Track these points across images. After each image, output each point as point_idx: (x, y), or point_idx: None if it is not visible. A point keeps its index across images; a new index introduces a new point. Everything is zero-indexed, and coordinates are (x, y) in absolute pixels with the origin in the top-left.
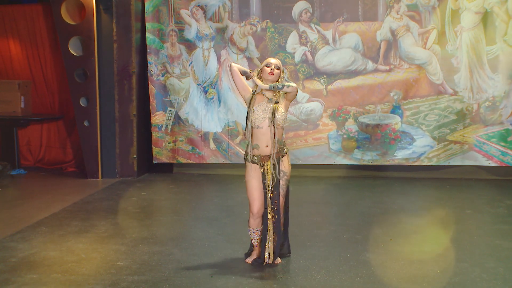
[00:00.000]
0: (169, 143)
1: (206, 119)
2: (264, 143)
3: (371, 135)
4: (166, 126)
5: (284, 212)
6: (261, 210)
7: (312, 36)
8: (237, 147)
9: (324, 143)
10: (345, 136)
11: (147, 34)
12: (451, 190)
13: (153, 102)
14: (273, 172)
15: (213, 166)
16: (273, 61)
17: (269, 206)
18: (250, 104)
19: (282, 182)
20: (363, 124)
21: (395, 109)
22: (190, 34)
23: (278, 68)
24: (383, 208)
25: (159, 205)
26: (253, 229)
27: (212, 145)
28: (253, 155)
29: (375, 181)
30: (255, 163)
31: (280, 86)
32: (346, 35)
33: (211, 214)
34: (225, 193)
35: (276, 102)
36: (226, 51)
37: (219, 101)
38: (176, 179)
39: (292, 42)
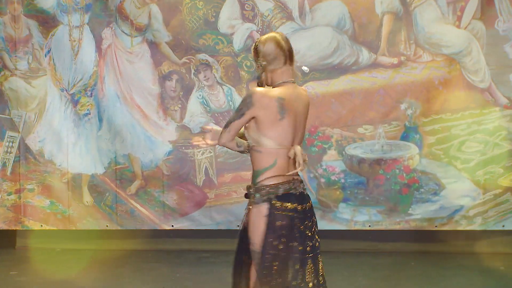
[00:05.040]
0: (9, 194)
1: (76, 151)
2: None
3: (368, 178)
4: (4, 164)
5: None
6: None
7: (264, 5)
8: (133, 201)
9: None
10: (322, 180)
11: None
12: (507, 274)
13: None
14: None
15: (90, 236)
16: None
17: None
18: None
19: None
20: (353, 159)
21: (410, 133)
22: (47, 0)
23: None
24: None
25: None
26: None
27: (88, 198)
28: None
29: (377, 259)
30: None
31: None
32: (323, 3)
33: None
34: (115, 285)
35: None
36: (111, 31)
37: (100, 120)
38: (22, 260)
39: (229, 15)
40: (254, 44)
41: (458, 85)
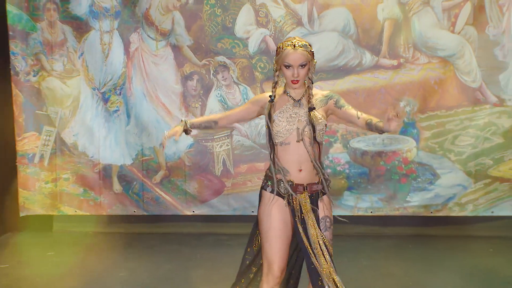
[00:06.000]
0: (47, 183)
1: (107, 144)
2: (296, 166)
3: (370, 168)
4: (42, 155)
5: None
6: (283, 272)
7: (277, 12)
8: (158, 189)
9: None
10: (328, 170)
11: (9, 7)
12: (495, 255)
13: (20, 117)
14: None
15: (119, 220)
16: (294, 55)
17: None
18: (270, 114)
19: (329, 235)
20: (357, 151)
21: (408, 128)
22: (81, 7)
23: (304, 65)
24: (391, 283)
25: (28, 285)
26: None
27: (117, 187)
28: (280, 180)
29: (378, 242)
30: (280, 194)
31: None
32: (330, 10)
33: None
34: (142, 264)
35: (312, 109)
36: (138, 36)
37: (128, 116)
38: (58, 242)
39: (244, 21)
40: (307, 49)
41: (452, 84)
